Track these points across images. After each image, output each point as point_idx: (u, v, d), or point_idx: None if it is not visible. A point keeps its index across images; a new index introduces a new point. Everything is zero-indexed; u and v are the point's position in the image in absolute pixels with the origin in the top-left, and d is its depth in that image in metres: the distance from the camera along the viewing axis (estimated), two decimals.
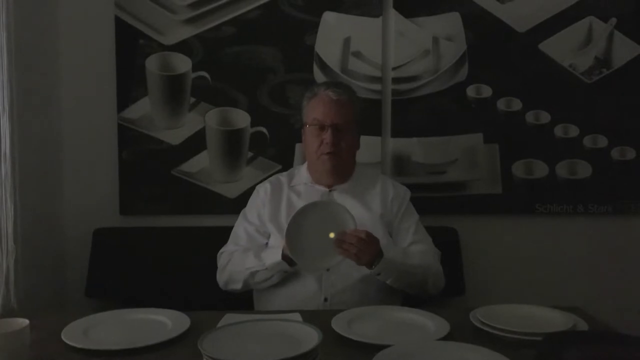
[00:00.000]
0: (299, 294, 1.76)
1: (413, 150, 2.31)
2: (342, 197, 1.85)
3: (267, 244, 1.88)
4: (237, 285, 1.83)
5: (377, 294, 1.75)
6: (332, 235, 1.61)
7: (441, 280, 1.84)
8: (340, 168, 1.86)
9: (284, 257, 1.71)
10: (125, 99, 2.25)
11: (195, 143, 2.28)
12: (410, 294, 1.80)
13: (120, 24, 2.22)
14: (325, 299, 1.75)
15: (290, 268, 1.73)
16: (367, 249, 1.63)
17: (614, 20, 2.29)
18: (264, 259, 1.76)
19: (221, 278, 1.87)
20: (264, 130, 2.28)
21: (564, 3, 2.28)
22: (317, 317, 1.40)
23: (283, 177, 1.96)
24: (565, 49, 2.30)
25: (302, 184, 1.92)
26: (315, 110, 1.83)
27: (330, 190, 1.88)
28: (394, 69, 2.29)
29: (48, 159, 2.20)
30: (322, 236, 1.62)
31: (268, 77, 2.26)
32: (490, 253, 2.32)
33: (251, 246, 1.86)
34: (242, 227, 1.91)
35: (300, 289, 1.77)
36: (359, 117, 1.89)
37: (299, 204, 1.84)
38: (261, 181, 2.04)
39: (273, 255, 1.74)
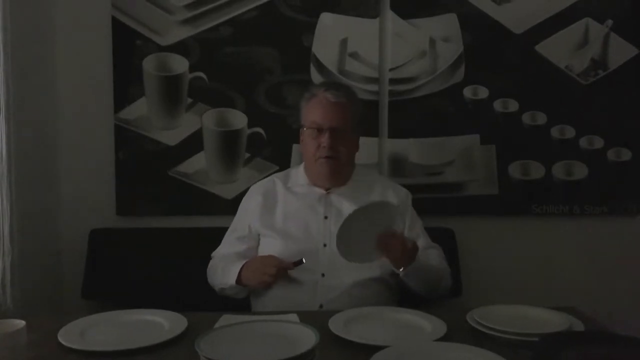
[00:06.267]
0: (294, 300, 1.74)
1: (410, 151, 2.31)
2: (339, 199, 1.85)
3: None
4: (224, 294, 1.85)
5: (374, 299, 1.73)
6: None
7: (450, 281, 1.87)
8: (338, 171, 1.85)
9: (238, 280, 1.75)
10: (122, 99, 2.25)
11: (192, 144, 2.28)
12: (420, 293, 1.79)
13: (117, 25, 2.22)
14: (321, 305, 1.74)
15: (244, 290, 1.78)
16: (408, 258, 1.66)
17: (610, 22, 2.30)
18: (227, 277, 1.79)
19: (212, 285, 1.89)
20: (261, 131, 2.28)
21: (561, 4, 2.29)
22: (314, 318, 1.40)
23: (278, 178, 1.95)
24: (561, 51, 2.30)
25: (299, 185, 1.91)
26: (314, 112, 1.82)
27: (327, 193, 1.88)
28: (391, 70, 2.29)
29: (44, 159, 2.20)
30: (369, 234, 1.60)
31: (265, 78, 2.26)
32: (487, 254, 2.33)
33: (232, 253, 1.88)
34: (231, 233, 1.93)
35: (296, 295, 1.75)
36: (359, 118, 1.88)
37: (297, 205, 1.86)
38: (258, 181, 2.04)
39: (231, 276, 1.77)
